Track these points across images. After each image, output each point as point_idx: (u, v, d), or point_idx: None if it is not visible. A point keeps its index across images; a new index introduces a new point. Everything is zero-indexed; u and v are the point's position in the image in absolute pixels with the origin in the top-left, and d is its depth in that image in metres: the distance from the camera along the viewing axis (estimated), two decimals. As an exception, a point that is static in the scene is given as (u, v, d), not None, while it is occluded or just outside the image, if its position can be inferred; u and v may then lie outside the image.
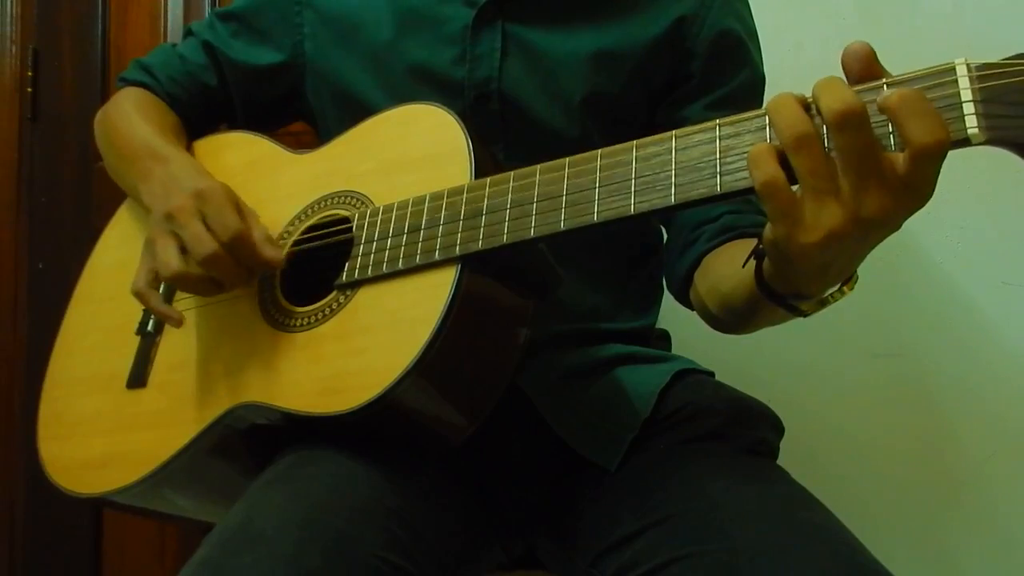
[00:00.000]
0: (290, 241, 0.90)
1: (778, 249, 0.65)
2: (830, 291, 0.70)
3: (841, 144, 0.59)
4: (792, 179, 0.61)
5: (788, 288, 0.71)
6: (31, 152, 1.75)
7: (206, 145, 1.04)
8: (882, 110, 0.58)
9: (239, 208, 0.85)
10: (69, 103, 1.73)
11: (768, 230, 0.64)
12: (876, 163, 0.58)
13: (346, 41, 1.01)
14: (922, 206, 0.60)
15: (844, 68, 0.62)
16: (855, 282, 0.70)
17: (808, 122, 0.60)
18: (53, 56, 1.74)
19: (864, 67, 0.61)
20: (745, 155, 0.64)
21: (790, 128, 0.60)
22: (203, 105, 1.08)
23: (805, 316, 0.73)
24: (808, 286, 0.69)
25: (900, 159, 0.58)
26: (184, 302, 0.93)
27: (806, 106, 0.61)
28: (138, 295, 0.88)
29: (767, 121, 0.64)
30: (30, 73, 1.74)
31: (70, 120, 1.72)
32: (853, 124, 0.58)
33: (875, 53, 0.61)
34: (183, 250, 0.83)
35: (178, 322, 0.87)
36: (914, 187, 0.59)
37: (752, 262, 0.73)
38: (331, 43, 1.02)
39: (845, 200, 0.59)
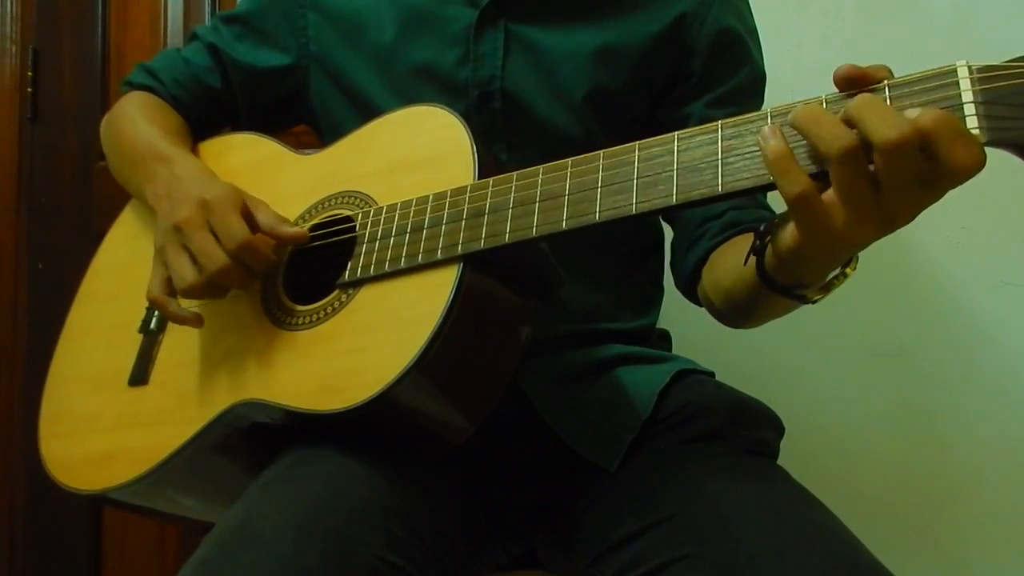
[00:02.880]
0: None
1: (800, 256, 0.65)
2: (832, 275, 0.70)
3: (892, 169, 0.58)
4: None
5: (791, 279, 0.71)
6: (31, 152, 1.75)
7: (211, 147, 1.04)
8: (919, 129, 0.57)
9: (246, 209, 0.85)
10: (69, 103, 1.73)
11: (791, 238, 0.64)
12: (918, 185, 0.59)
13: (351, 42, 1.01)
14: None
15: (840, 90, 0.62)
16: (856, 263, 0.70)
17: (853, 135, 0.59)
18: (53, 56, 1.74)
19: (857, 84, 0.62)
20: (746, 156, 0.65)
21: (837, 140, 0.59)
22: (208, 108, 1.08)
23: (813, 303, 0.73)
24: (812, 277, 0.70)
25: (929, 173, 0.58)
26: (187, 300, 0.93)
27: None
28: (155, 303, 0.88)
29: (769, 123, 0.64)
30: (30, 73, 1.74)
31: (70, 120, 1.72)
32: (908, 151, 0.57)
33: (861, 68, 0.62)
34: (194, 260, 0.84)
35: (198, 322, 0.88)
36: (938, 196, 0.60)
37: (753, 258, 0.73)
38: (336, 44, 1.02)
39: (884, 216, 0.60)
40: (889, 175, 0.58)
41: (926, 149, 0.57)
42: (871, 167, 0.59)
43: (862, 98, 0.60)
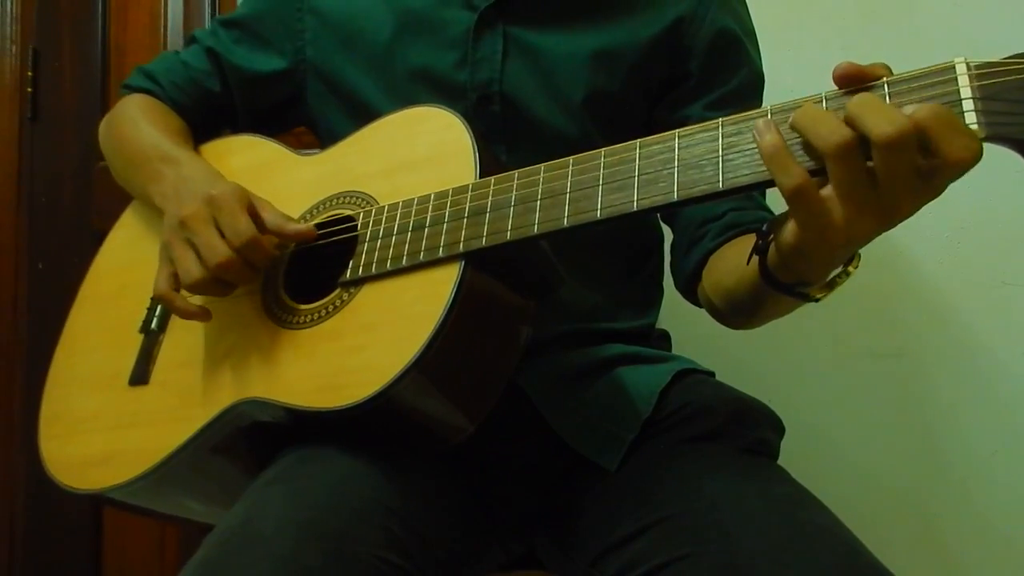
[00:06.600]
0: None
1: (801, 252, 0.65)
2: (835, 273, 0.70)
3: (890, 164, 0.58)
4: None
5: (793, 277, 0.71)
6: (31, 152, 1.75)
7: (212, 149, 1.04)
8: (916, 123, 0.57)
9: (252, 207, 0.86)
10: (69, 103, 1.73)
11: (791, 235, 0.65)
12: (917, 178, 0.59)
13: (348, 46, 1.01)
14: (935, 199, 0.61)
15: (839, 87, 0.63)
16: (859, 261, 0.70)
17: (850, 131, 0.59)
18: (53, 56, 1.74)
19: (856, 82, 0.62)
20: (747, 152, 0.65)
21: (832, 135, 0.59)
22: (206, 111, 1.08)
23: (816, 301, 0.73)
24: (815, 274, 0.70)
25: (927, 167, 0.58)
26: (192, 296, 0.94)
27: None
28: (162, 298, 0.88)
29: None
30: (30, 73, 1.74)
31: (70, 120, 1.72)
32: (906, 146, 0.58)
33: (859, 66, 0.62)
34: (198, 254, 0.84)
35: (206, 316, 0.87)
36: (937, 190, 0.60)
37: (756, 258, 0.73)
38: (333, 48, 1.02)
39: (882, 211, 0.60)
40: (887, 170, 0.59)
41: (924, 143, 0.58)
42: (869, 163, 0.59)
43: (860, 96, 0.60)
